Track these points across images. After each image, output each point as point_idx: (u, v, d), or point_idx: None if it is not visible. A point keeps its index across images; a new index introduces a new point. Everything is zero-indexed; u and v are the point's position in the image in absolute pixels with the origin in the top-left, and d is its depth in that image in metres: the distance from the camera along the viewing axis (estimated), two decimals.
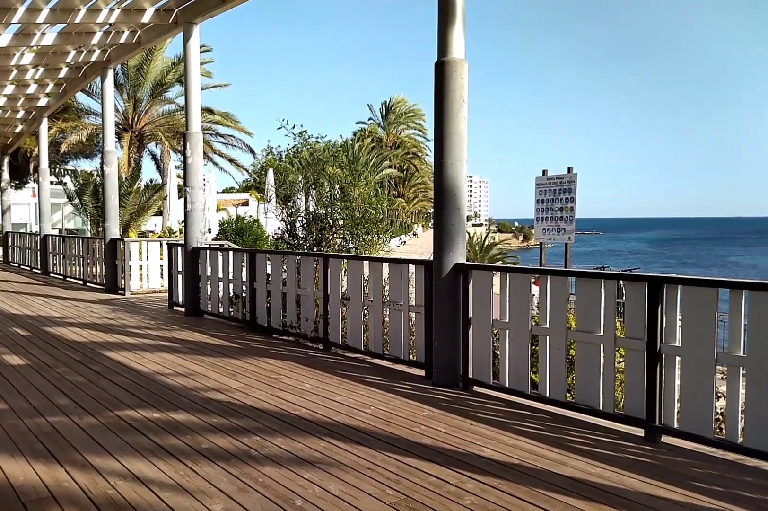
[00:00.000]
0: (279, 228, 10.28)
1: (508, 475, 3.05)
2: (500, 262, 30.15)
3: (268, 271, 6.94)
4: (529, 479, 3.00)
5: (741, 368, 3.32)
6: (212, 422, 3.89)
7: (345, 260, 6.07)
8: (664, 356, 3.59)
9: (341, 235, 8.94)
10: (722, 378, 3.53)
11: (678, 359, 3.54)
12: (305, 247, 8.85)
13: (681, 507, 2.72)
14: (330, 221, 8.91)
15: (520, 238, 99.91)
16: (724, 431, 3.45)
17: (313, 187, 9.22)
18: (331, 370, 5.23)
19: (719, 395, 3.68)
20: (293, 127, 9.37)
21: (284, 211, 9.36)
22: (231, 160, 29.17)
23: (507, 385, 4.45)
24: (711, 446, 3.40)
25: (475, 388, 4.67)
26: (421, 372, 5.08)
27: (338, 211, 8.90)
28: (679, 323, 3.55)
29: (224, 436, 3.63)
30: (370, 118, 71.29)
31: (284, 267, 6.80)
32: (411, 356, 5.34)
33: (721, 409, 3.62)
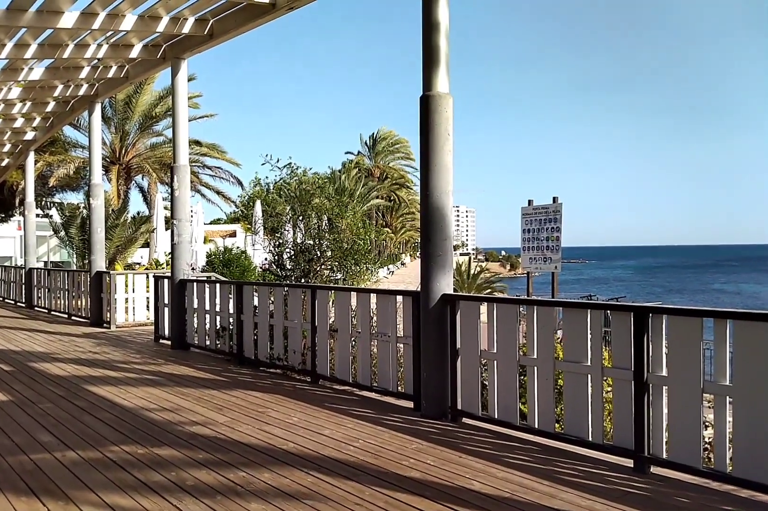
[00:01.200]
0: (266, 259, 10.29)
1: (498, 509, 3.02)
2: (488, 290, 30.25)
3: (256, 303, 6.92)
4: None
5: (727, 397, 3.34)
6: (197, 457, 3.83)
7: (332, 292, 6.07)
8: (651, 385, 3.60)
9: (329, 267, 8.95)
10: (709, 407, 3.54)
11: (665, 388, 3.56)
12: (293, 278, 8.84)
13: None
14: (318, 253, 8.92)
15: (508, 267, 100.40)
16: (712, 460, 3.44)
17: (301, 218, 9.25)
18: (319, 403, 5.18)
19: (707, 424, 3.69)
20: (277, 161, 9.44)
21: (272, 242, 9.36)
22: (218, 192, 29.31)
23: (496, 416, 4.43)
24: (700, 476, 3.39)
25: (464, 419, 4.64)
26: (410, 404, 5.05)
27: (326, 242, 8.92)
28: (665, 353, 3.58)
29: (210, 472, 3.57)
30: (359, 151, 72.00)
31: (271, 299, 6.79)
32: (399, 388, 5.31)
33: (709, 438, 3.62)
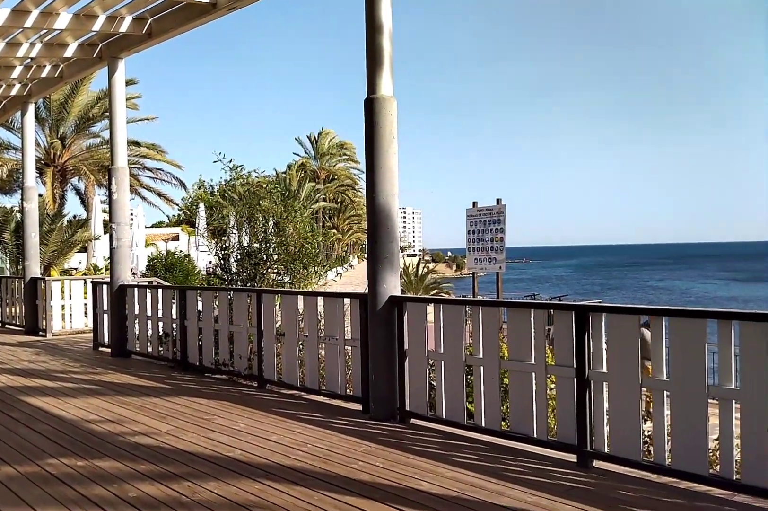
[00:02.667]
0: (211, 263, 10.09)
1: (446, 508, 3.04)
2: (435, 291, 30.51)
3: (200, 308, 6.78)
4: None
5: (665, 392, 3.46)
6: (140, 468, 3.72)
7: (279, 295, 6.01)
8: (592, 382, 3.70)
9: (276, 270, 8.85)
10: (648, 401, 3.66)
11: (605, 384, 3.66)
12: (239, 282, 8.71)
13: None
14: (264, 256, 8.82)
15: (454, 267, 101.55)
16: (652, 453, 3.56)
17: (248, 221, 9.13)
18: (267, 408, 5.11)
19: (646, 418, 3.81)
20: (230, 160, 9.29)
21: (217, 245, 9.20)
22: (160, 195, 28.59)
23: (444, 416, 4.47)
24: (641, 469, 3.51)
25: (413, 420, 4.67)
26: (359, 407, 5.04)
27: (273, 246, 8.83)
28: (605, 350, 3.68)
29: (153, 483, 3.47)
30: (305, 151, 71.51)
31: (216, 303, 6.66)
32: (348, 391, 5.29)
33: (648, 432, 3.74)
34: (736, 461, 3.21)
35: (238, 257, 8.69)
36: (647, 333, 3.55)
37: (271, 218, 9.13)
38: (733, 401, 3.21)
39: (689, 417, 3.32)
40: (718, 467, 3.31)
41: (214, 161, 8.91)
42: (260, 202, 8.91)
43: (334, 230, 65.57)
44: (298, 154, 71.05)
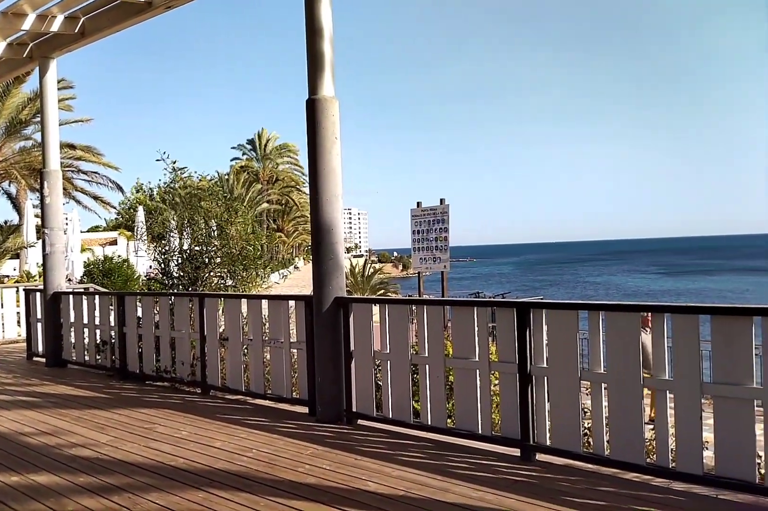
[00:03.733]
0: (151, 267, 9.84)
1: (393, 507, 3.05)
2: (382, 291, 30.62)
3: (139, 314, 6.60)
4: (414, 509, 3.02)
5: (602, 384, 3.57)
6: (78, 481, 3.59)
7: (222, 299, 5.91)
8: (534, 377, 3.78)
9: (218, 273, 8.69)
10: (587, 394, 3.77)
11: (546, 379, 3.74)
12: (180, 286, 8.51)
13: None
14: (206, 260, 8.64)
15: (400, 267, 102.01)
16: (592, 445, 3.66)
17: (188, 224, 8.93)
18: (211, 414, 5.02)
19: (586, 410, 3.92)
20: (174, 161, 9.06)
21: (157, 249, 8.97)
22: (96, 198, 27.69)
23: (390, 416, 4.48)
24: (581, 461, 3.60)
25: (360, 421, 4.66)
26: (305, 410, 5.00)
27: (215, 249, 8.67)
28: (546, 345, 3.77)
29: (92, 496, 3.36)
30: (244, 153, 70.49)
31: (157, 309, 6.50)
32: (294, 394, 5.25)
33: (588, 424, 3.84)
34: (671, 449, 3.34)
35: (179, 261, 8.48)
36: (647, 338, 3.45)
37: (212, 220, 8.97)
38: (667, 392, 3.33)
39: (626, 408, 3.43)
40: (655, 456, 3.43)
41: (157, 160, 8.66)
42: (200, 203, 8.74)
43: (279, 232, 64.96)
44: (239, 158, 70.03)
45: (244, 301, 5.67)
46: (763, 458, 3.13)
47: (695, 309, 3.26)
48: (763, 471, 3.09)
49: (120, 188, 27.81)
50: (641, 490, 3.23)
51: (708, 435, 3.20)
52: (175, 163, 8.94)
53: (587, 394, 3.71)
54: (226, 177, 55.61)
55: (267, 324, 5.45)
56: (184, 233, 8.93)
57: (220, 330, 5.79)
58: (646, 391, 3.48)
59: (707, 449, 3.34)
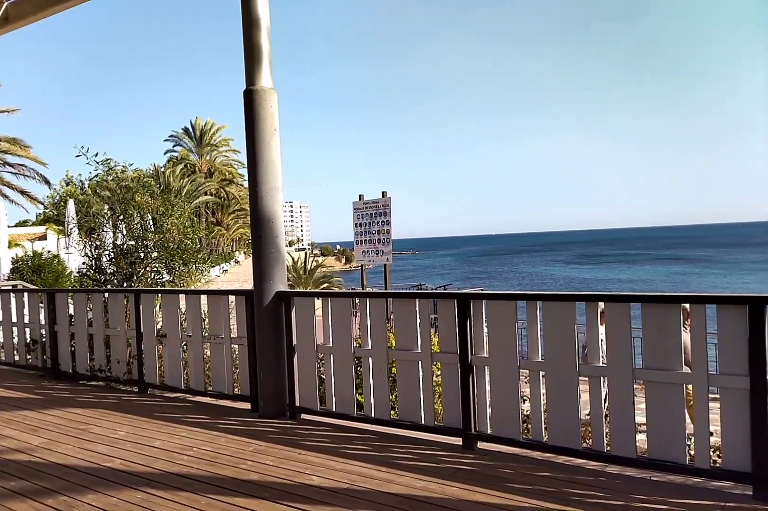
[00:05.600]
0: (84, 263, 9.48)
1: (337, 501, 3.05)
2: (325, 285, 30.50)
3: (71, 311, 6.35)
4: (359, 502, 3.03)
5: (540, 372, 3.66)
6: (10, 486, 3.44)
7: (159, 295, 5.76)
8: (475, 367, 3.84)
9: (154, 268, 8.46)
10: (525, 382, 3.86)
11: (487, 368, 3.81)
12: (114, 283, 8.25)
13: (498, 509, 2.90)
14: (141, 254, 8.40)
15: (343, 260, 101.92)
16: (531, 431, 3.76)
17: (122, 218, 8.66)
18: (149, 413, 4.89)
19: (525, 398, 4.02)
20: (95, 154, 8.73)
21: (88, 244, 8.66)
22: (23, 192, 26.48)
23: (334, 409, 4.48)
24: (521, 447, 3.69)
25: (303, 416, 4.64)
26: (247, 406, 4.94)
27: (150, 243, 8.43)
28: (485, 335, 3.83)
29: (25, 500, 3.22)
30: (177, 144, 68.56)
31: (90, 306, 6.27)
32: (236, 390, 5.17)
33: (527, 411, 3.94)
34: (606, 434, 3.46)
35: (112, 257, 8.22)
36: (686, 336, 3.22)
37: (147, 214, 8.72)
38: (602, 378, 3.45)
39: (563, 395, 3.53)
40: (590, 440, 3.54)
41: (77, 156, 8.36)
42: (134, 197, 8.48)
43: (218, 226, 63.76)
44: (174, 151, 68.14)
45: (182, 296, 5.53)
46: (693, 440, 3.28)
47: (627, 298, 3.38)
48: (693, 452, 3.24)
49: (47, 182, 26.68)
50: (577, 474, 3.34)
51: (641, 419, 3.33)
52: (96, 155, 8.65)
53: (526, 382, 3.80)
54: (162, 169, 54.15)
55: (207, 320, 5.34)
56: (118, 227, 8.67)
57: (158, 327, 5.64)
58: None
59: (640, 432, 3.47)
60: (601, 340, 3.48)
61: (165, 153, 67.73)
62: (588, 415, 3.53)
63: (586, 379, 3.49)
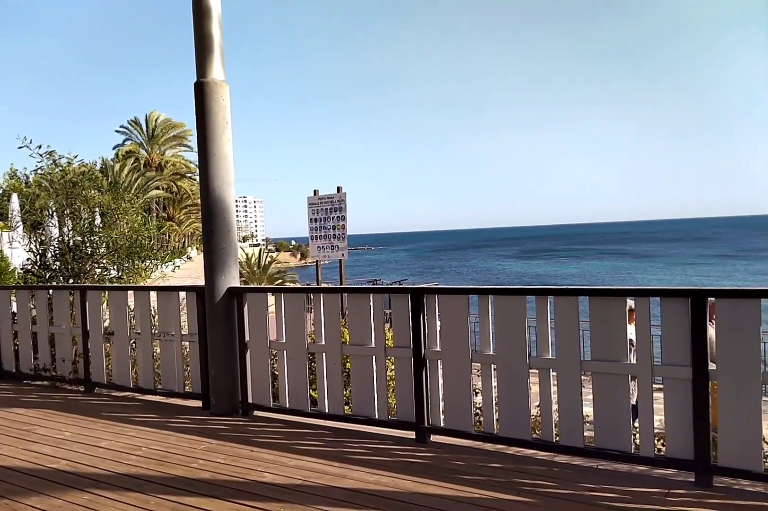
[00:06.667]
0: (28, 260, 9.16)
1: (289, 497, 3.03)
2: (279, 281, 30.26)
3: (14, 309, 6.13)
4: (311, 497, 3.02)
5: (492, 365, 3.71)
6: None
7: (106, 292, 5.61)
8: (428, 361, 3.87)
9: (102, 265, 8.23)
10: (477, 375, 3.90)
11: (440, 362, 3.84)
12: (60, 279, 7.99)
13: (450, 501, 2.94)
14: (89, 250, 8.15)
15: (298, 256, 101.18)
16: (483, 424, 3.81)
17: (69, 213, 8.39)
18: (96, 413, 4.76)
19: (477, 391, 4.06)
20: (39, 146, 8.42)
21: (33, 240, 8.36)
22: None
23: (287, 406, 4.45)
24: (473, 440, 3.73)
25: (256, 413, 4.59)
26: (198, 403, 4.86)
27: (99, 239, 8.20)
28: (438, 329, 3.86)
29: None
30: (128, 138, 66.68)
31: (33, 303, 6.06)
32: (187, 388, 5.08)
33: (479, 404, 3.99)
34: (555, 425, 3.53)
35: (56, 252, 7.96)
36: (712, 331, 3.12)
37: (96, 209, 8.48)
38: (551, 370, 3.52)
39: (513, 387, 3.58)
40: (540, 431, 3.61)
41: (19, 147, 8.07)
42: (82, 191, 8.23)
43: (169, 221, 62.47)
44: (122, 145, 66.25)
45: (131, 293, 5.40)
46: (638, 429, 3.37)
47: (574, 291, 3.44)
48: (638, 441, 3.34)
49: None
50: (527, 464, 3.40)
51: (589, 410, 3.41)
52: (39, 148, 8.36)
53: (478, 375, 3.85)
54: (111, 163, 52.74)
55: (156, 317, 5.23)
56: (65, 222, 8.40)
57: (105, 324, 5.49)
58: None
59: (588, 423, 3.56)
60: (630, 339, 3.33)
61: (114, 148, 65.78)
62: (538, 406, 3.60)
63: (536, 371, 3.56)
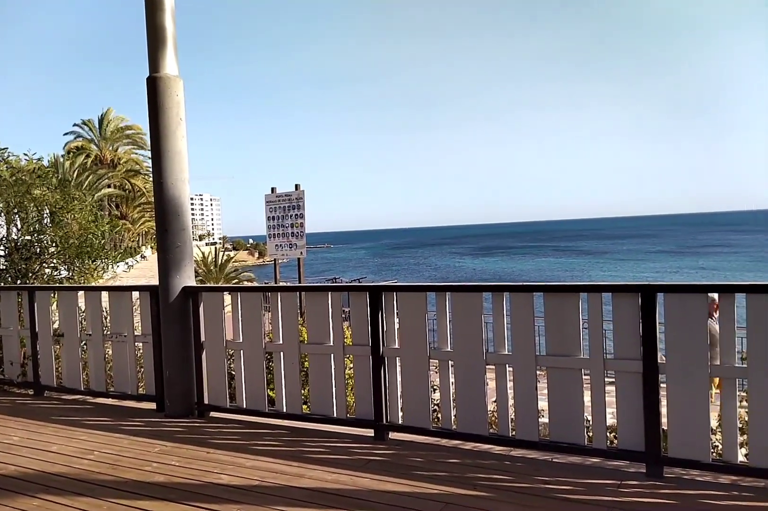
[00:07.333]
0: None
1: (247, 498, 3.00)
2: (236, 280, 29.89)
3: None
4: (269, 498, 2.99)
5: (450, 362, 3.73)
6: None
7: (55, 292, 5.44)
8: (386, 358, 3.87)
9: (53, 265, 7.99)
10: (435, 372, 3.93)
11: (398, 359, 3.85)
12: (7, 280, 7.73)
13: (407, 497, 2.95)
14: (38, 250, 7.91)
15: (256, 255, 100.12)
16: (440, 420, 3.83)
17: (16, 211, 8.11)
18: (45, 417, 4.62)
19: (435, 388, 4.09)
20: None
21: None
22: None
23: (245, 406, 4.39)
24: (431, 436, 3.76)
25: (212, 414, 4.53)
26: (153, 406, 4.77)
27: (47, 238, 7.95)
28: (397, 326, 3.87)
29: None
30: (79, 135, 64.78)
31: None
32: (140, 390, 4.98)
33: (437, 401, 4.01)
34: (511, 419, 3.58)
35: (5, 252, 7.70)
36: (715, 327, 3.23)
37: (45, 208, 8.22)
38: (507, 366, 3.56)
39: (470, 383, 3.62)
40: (497, 426, 3.66)
41: None
42: (30, 189, 7.97)
43: (123, 220, 61.02)
44: (70, 140, 64.30)
45: (81, 293, 5.26)
46: (590, 422, 3.45)
47: (530, 287, 3.50)
48: (591, 434, 3.41)
49: None
50: (484, 459, 3.44)
51: (544, 404, 3.47)
52: None
53: (436, 372, 3.87)
54: (61, 159, 51.21)
55: (108, 317, 5.11)
56: (13, 221, 8.13)
57: (55, 326, 5.33)
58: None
59: (543, 417, 3.62)
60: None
61: (64, 145, 63.78)
62: (495, 401, 3.65)
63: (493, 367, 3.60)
